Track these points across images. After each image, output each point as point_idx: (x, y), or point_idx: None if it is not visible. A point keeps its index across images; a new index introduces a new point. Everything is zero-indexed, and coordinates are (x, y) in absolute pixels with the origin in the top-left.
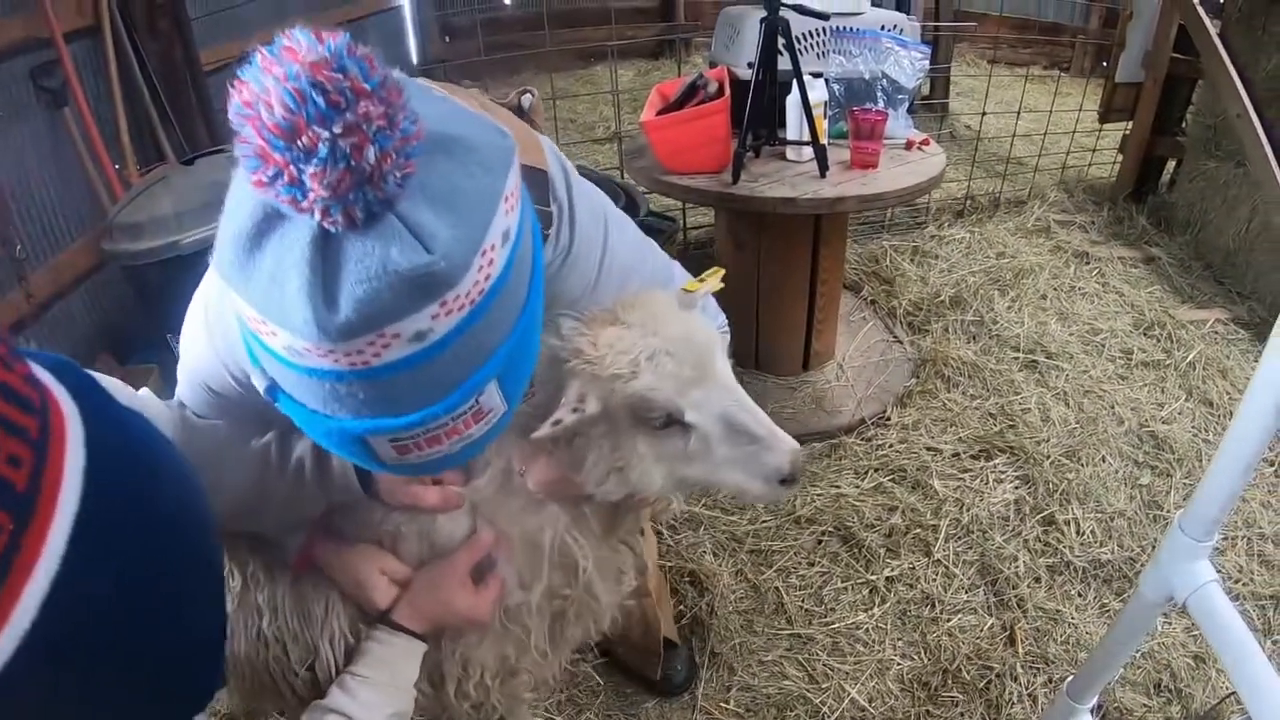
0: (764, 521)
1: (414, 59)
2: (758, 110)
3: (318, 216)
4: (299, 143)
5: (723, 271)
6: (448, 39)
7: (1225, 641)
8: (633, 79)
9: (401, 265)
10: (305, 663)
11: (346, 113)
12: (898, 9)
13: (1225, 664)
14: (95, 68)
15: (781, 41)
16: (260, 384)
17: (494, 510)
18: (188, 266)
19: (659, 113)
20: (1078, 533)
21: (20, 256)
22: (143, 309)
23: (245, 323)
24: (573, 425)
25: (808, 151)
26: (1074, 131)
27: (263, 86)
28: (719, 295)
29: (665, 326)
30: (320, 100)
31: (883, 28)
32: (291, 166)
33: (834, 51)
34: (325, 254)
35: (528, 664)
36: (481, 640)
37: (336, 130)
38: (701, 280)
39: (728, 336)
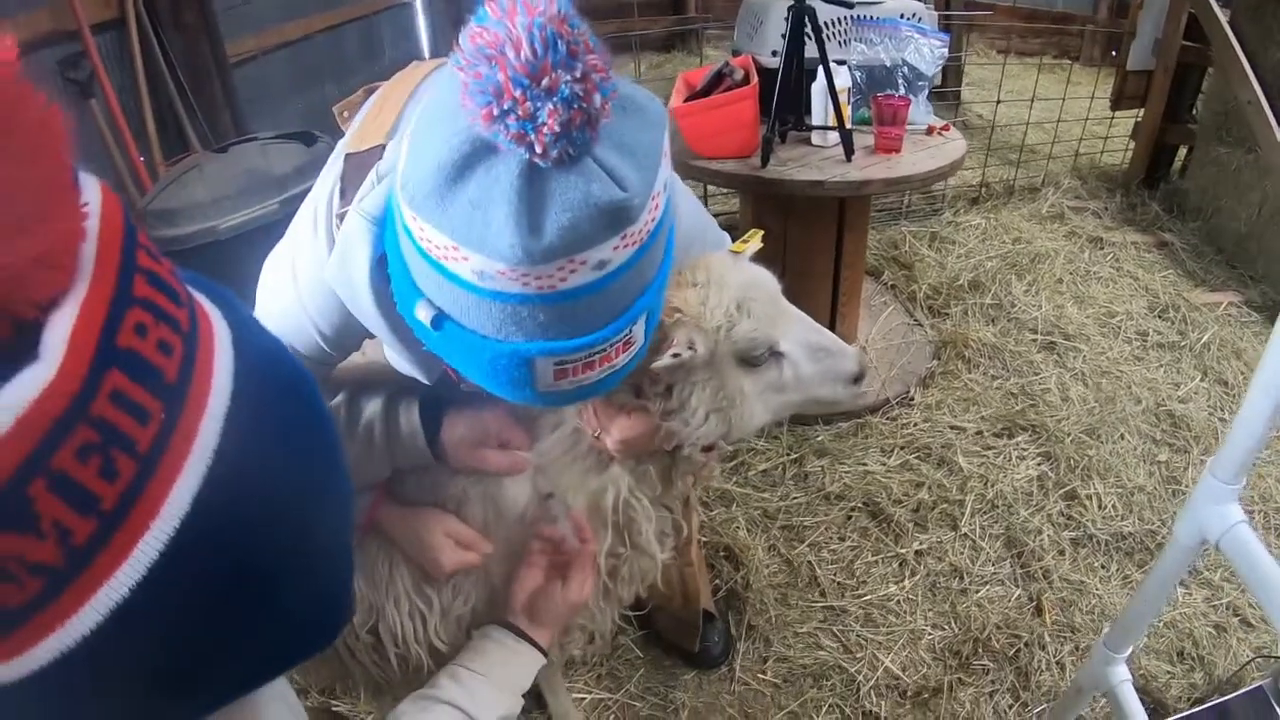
0: (794, 498)
1: (425, 53)
2: (785, 96)
3: (538, 150)
4: (542, 83)
5: (761, 232)
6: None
7: (1258, 576)
8: (646, 71)
9: (602, 199)
10: (367, 625)
11: (580, 62)
12: None
13: (1258, 595)
14: (121, 60)
15: (807, 29)
16: (426, 316)
17: (559, 472)
18: (224, 251)
19: (686, 100)
20: (1099, 507)
21: None
22: None
23: (427, 253)
24: (682, 364)
25: (833, 137)
26: (1086, 119)
27: (508, 32)
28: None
29: (735, 277)
30: (563, 48)
31: (902, 16)
32: (529, 103)
33: (856, 39)
34: (532, 186)
35: (583, 619)
36: None
37: (575, 75)
38: (745, 242)
39: None
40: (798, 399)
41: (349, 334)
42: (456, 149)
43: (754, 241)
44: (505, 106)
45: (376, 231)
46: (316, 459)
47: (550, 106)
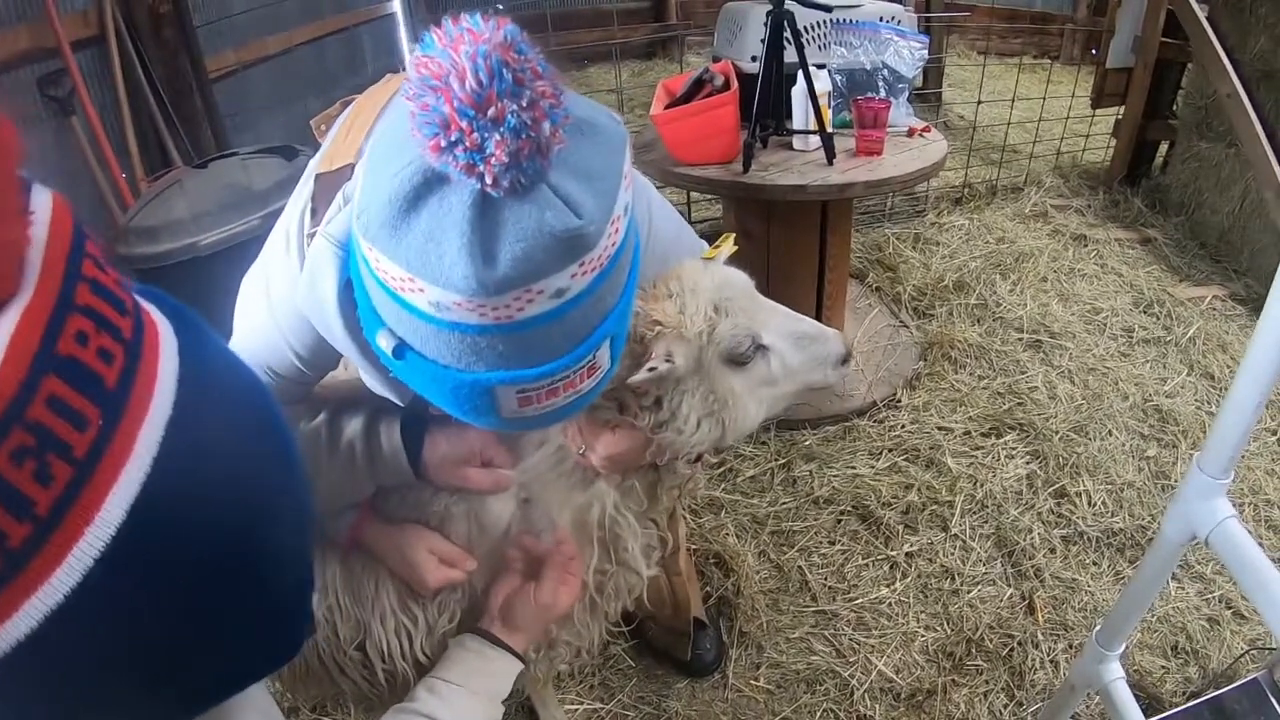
0: (783, 503)
1: (407, 65)
2: (765, 101)
3: (488, 181)
4: (488, 113)
5: (734, 236)
6: None
7: (1247, 571)
8: (628, 79)
9: (556, 228)
10: (355, 642)
11: (528, 90)
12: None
13: (1248, 591)
14: (102, 76)
15: (786, 33)
16: (387, 345)
17: (543, 489)
18: (206, 267)
19: (666, 107)
20: (1089, 504)
21: None
22: None
23: (385, 284)
24: (663, 376)
25: (814, 141)
26: (1067, 118)
27: (452, 62)
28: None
29: (707, 280)
30: (509, 77)
31: (881, 19)
32: (475, 134)
33: (835, 43)
34: (484, 216)
35: (569, 635)
36: None
37: (522, 104)
38: (717, 247)
39: None
40: (790, 389)
41: (323, 354)
42: (408, 180)
43: (726, 246)
44: (452, 138)
45: (343, 256)
46: (269, 469)
47: (498, 137)
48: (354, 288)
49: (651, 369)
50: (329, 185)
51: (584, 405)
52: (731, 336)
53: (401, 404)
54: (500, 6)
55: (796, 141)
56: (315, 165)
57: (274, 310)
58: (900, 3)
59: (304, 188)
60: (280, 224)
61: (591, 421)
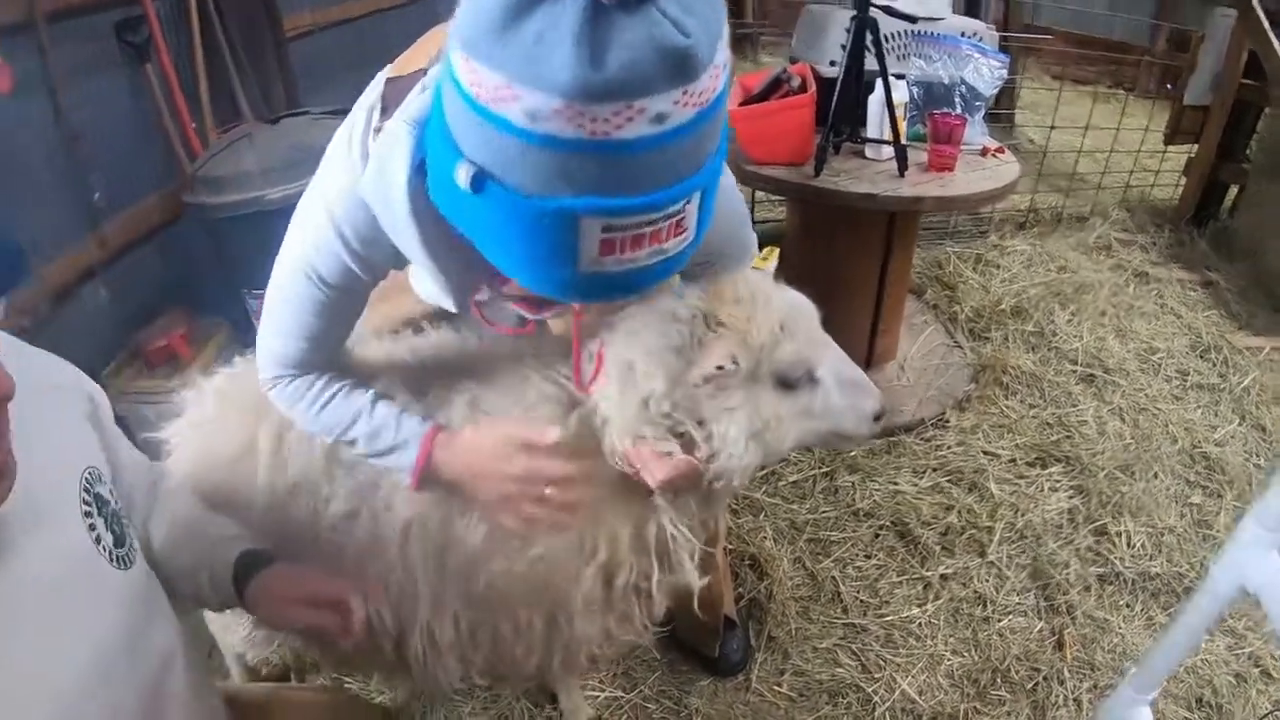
0: (824, 512)
1: None
2: (843, 107)
3: None
4: None
5: (778, 250)
6: None
7: None
8: None
9: (665, 42)
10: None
11: None
12: (967, 14)
13: None
14: (178, 26)
15: (868, 41)
16: (465, 177)
17: (610, 510)
18: (270, 222)
19: (741, 103)
20: (1128, 545)
21: (97, 204)
22: (219, 264)
23: (474, 100)
24: (724, 377)
25: (886, 151)
26: (1139, 152)
27: None
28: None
29: (779, 297)
30: None
31: (963, 34)
32: None
33: (915, 54)
34: (596, 23)
35: (623, 636)
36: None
37: None
38: (764, 259)
39: None
40: (823, 428)
41: (377, 249)
42: None
43: (772, 259)
44: None
45: (418, 134)
46: None
47: None
48: (428, 142)
49: (720, 367)
50: (400, 89)
51: (665, 276)
52: (790, 359)
53: (455, 309)
54: None
55: (869, 150)
56: (385, 73)
57: (330, 205)
58: (982, 20)
59: (371, 91)
60: (341, 131)
61: (650, 450)
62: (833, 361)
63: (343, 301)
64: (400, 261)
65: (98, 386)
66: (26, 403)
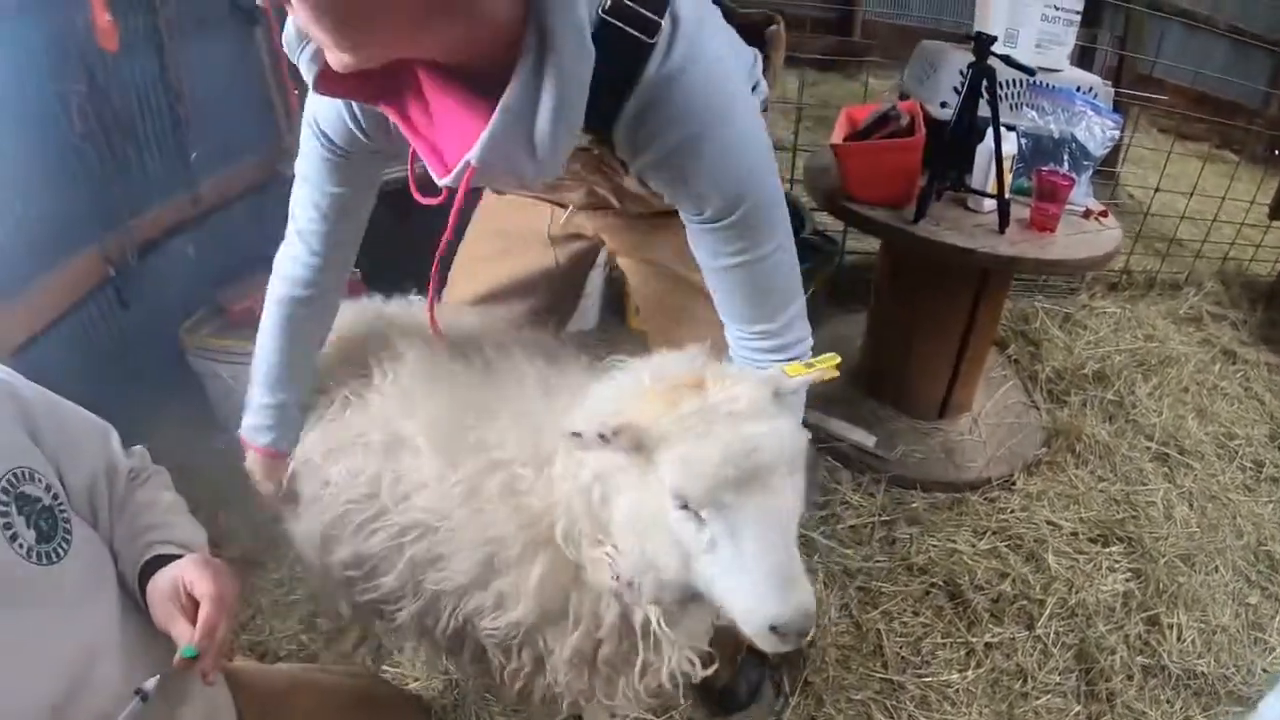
0: (878, 561)
1: None
2: (952, 154)
3: None
4: None
5: (838, 360)
6: None
7: None
8: (797, 90)
9: None
10: None
11: None
12: (1080, 63)
13: None
14: None
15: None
16: None
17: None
18: None
19: (848, 138)
20: (1178, 639)
21: (194, 163)
22: None
23: None
24: (580, 443)
25: (988, 204)
26: (1242, 223)
27: None
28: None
29: (741, 422)
30: None
31: (1078, 88)
32: None
33: (1028, 105)
34: None
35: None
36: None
37: None
38: (810, 366)
39: (803, 441)
40: (708, 587)
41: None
42: None
43: (822, 368)
44: None
45: None
46: None
47: None
48: None
49: (575, 434)
50: None
51: None
52: (675, 475)
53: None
54: None
55: (970, 200)
56: None
57: None
58: (1094, 70)
59: None
60: None
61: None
62: (750, 523)
63: (345, 170)
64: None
65: (35, 389)
66: None
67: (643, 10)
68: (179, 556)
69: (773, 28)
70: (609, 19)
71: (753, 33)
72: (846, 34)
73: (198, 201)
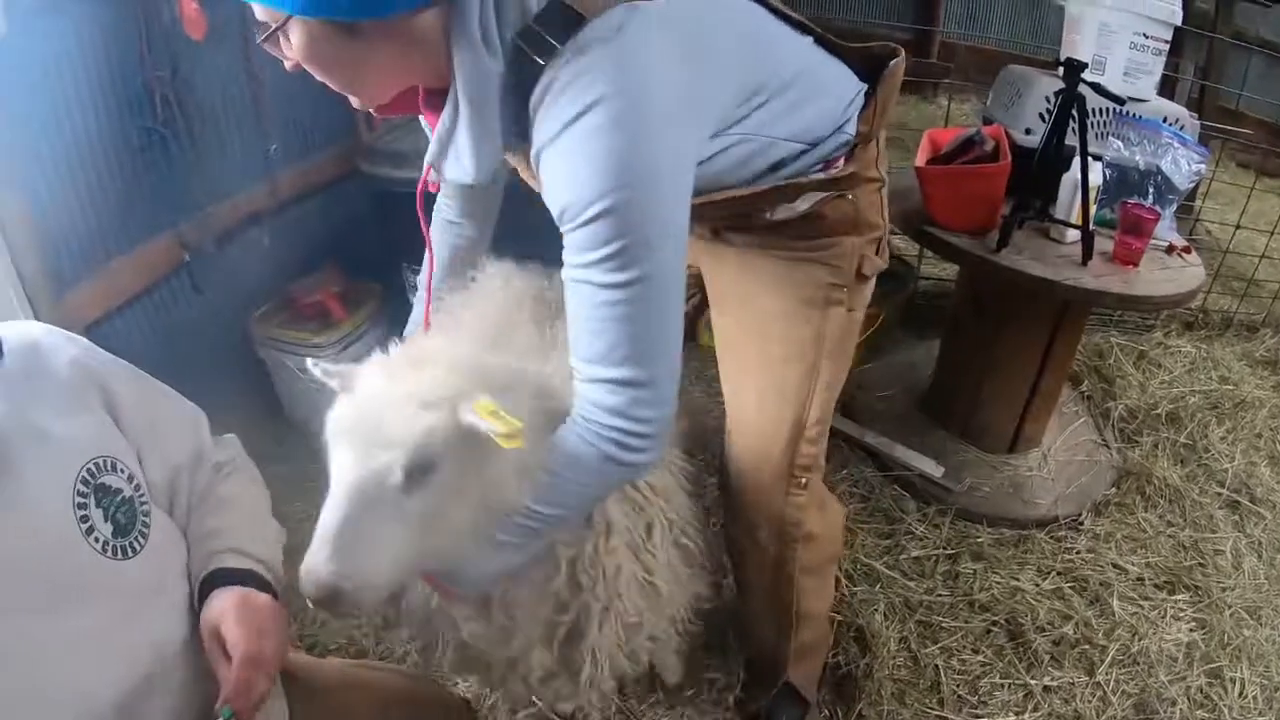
0: (940, 595)
1: None
2: (1038, 182)
3: None
4: None
5: (518, 439)
6: None
7: None
8: None
9: None
10: None
11: None
12: (1162, 93)
13: None
14: None
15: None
16: None
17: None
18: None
19: (930, 161)
20: (1240, 694)
21: (273, 155)
22: (382, 232)
23: None
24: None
25: (1071, 234)
26: None
27: None
28: None
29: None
30: None
31: (1165, 119)
32: None
33: (1114, 135)
34: None
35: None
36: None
37: None
38: (497, 416)
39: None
40: None
41: None
42: None
43: (503, 430)
44: None
45: None
46: None
47: None
48: None
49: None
50: None
51: None
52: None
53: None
54: None
55: (1053, 230)
56: None
57: None
58: (1177, 102)
59: None
60: None
61: None
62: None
63: None
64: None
65: (126, 371)
66: (32, 408)
67: (546, 36)
68: (243, 570)
69: (894, 62)
70: (518, 41)
71: (875, 65)
72: (924, 55)
73: (275, 193)
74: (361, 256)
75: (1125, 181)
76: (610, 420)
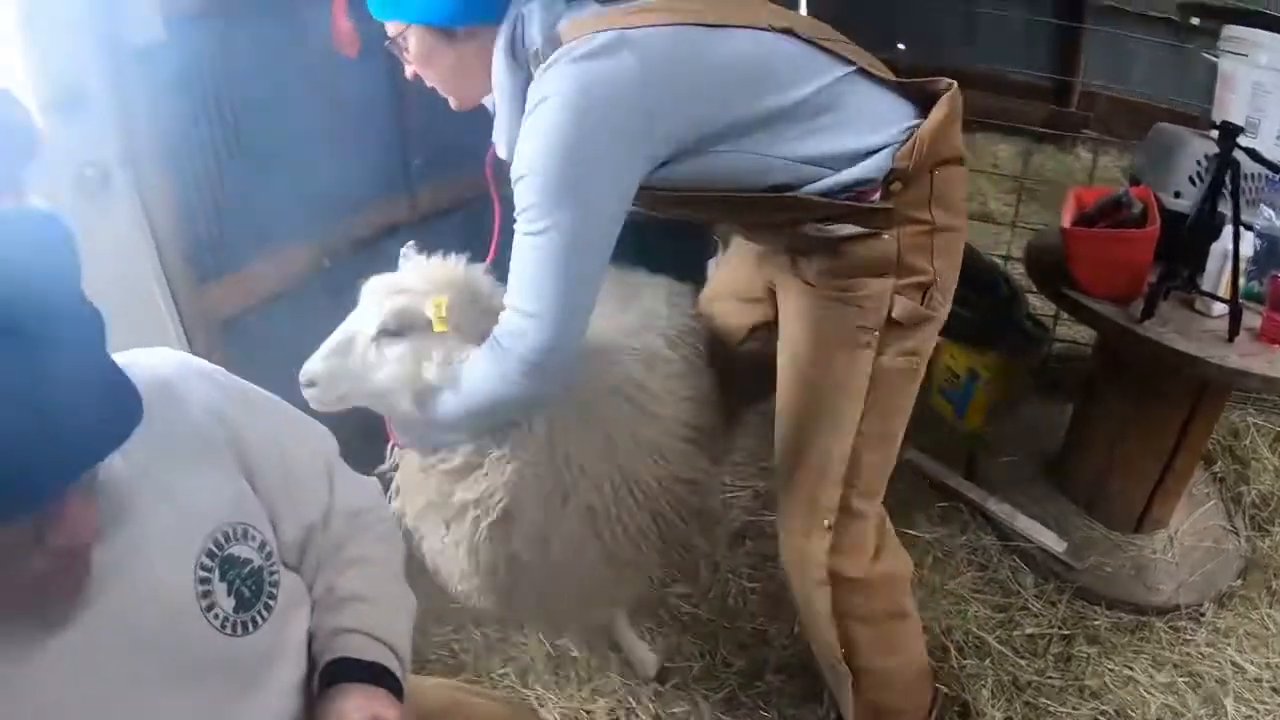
0: (1050, 677)
1: None
2: (1188, 250)
3: None
4: None
5: (445, 303)
6: None
7: None
8: (1011, 158)
9: None
10: None
11: None
12: None
13: None
14: None
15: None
16: None
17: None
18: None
19: (1075, 222)
20: None
21: (414, 169)
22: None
23: None
24: None
25: (1218, 308)
26: None
27: None
28: None
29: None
30: None
31: None
32: None
33: (1265, 202)
34: None
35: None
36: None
37: None
38: (437, 306)
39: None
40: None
41: None
42: None
43: (432, 313)
44: None
45: None
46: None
47: None
48: None
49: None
50: None
51: None
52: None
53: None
54: (901, 46)
55: (1198, 302)
56: None
57: None
58: None
59: None
60: None
61: None
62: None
63: None
64: None
65: (257, 412)
66: (159, 460)
67: (540, 53)
68: (374, 666)
69: (946, 88)
70: (528, 57)
71: (932, 100)
72: (1063, 104)
73: (414, 206)
74: (497, 274)
75: (1275, 253)
76: (506, 342)
